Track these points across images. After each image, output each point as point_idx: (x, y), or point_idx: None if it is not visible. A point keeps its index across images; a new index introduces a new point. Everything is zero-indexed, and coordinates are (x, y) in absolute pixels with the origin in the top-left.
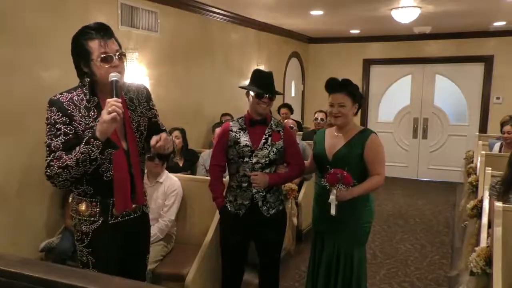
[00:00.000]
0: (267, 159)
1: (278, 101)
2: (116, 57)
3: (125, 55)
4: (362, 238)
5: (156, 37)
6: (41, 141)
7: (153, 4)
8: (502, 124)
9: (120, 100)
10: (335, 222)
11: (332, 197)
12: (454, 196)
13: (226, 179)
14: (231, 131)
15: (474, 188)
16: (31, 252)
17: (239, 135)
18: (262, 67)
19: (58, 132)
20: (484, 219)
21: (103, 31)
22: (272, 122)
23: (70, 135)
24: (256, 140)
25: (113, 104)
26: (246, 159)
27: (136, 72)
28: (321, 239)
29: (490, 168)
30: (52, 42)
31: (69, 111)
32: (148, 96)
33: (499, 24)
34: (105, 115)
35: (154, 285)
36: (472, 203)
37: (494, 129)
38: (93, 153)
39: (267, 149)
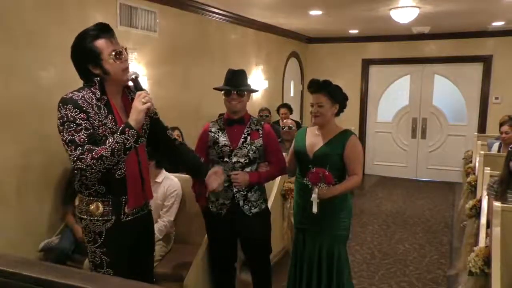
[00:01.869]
0: (246, 158)
1: (277, 101)
2: (125, 51)
3: (127, 50)
4: (342, 233)
5: (155, 37)
6: (40, 141)
7: (152, 4)
8: (501, 124)
9: (149, 92)
10: (315, 219)
11: (314, 196)
12: (453, 196)
13: None
14: (210, 131)
15: (473, 188)
16: (30, 252)
17: (218, 135)
18: (261, 67)
19: (79, 128)
20: (483, 219)
21: (107, 30)
22: (250, 121)
23: (91, 130)
24: (235, 139)
25: (145, 95)
26: (226, 159)
27: (128, 64)
28: (302, 235)
29: (489, 168)
30: (50, 42)
31: (84, 108)
32: None
33: (497, 24)
34: (139, 105)
35: (153, 285)
36: (471, 203)
37: (493, 129)
38: (128, 142)
39: (246, 148)
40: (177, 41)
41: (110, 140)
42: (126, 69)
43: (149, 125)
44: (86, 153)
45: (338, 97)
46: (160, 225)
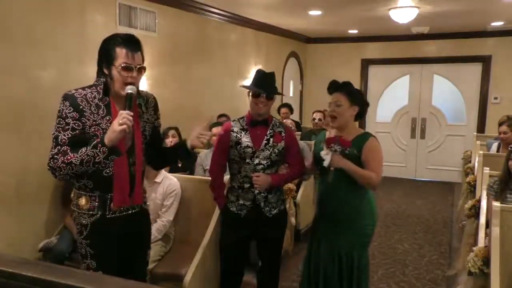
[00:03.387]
0: (268, 160)
1: (276, 101)
2: (136, 69)
3: (144, 69)
4: (363, 240)
5: (154, 37)
6: (40, 141)
7: (151, 4)
8: (500, 124)
9: (132, 113)
10: (335, 224)
11: (324, 153)
12: (452, 196)
13: (226, 178)
14: (232, 131)
15: (472, 188)
16: (29, 252)
17: (240, 136)
18: (260, 67)
19: (67, 127)
20: (482, 219)
21: (133, 43)
22: (273, 122)
23: (78, 131)
24: (258, 141)
25: (124, 117)
26: (248, 160)
27: (136, 81)
28: (317, 241)
29: (488, 168)
30: (50, 42)
31: (81, 107)
32: (155, 106)
33: (497, 24)
34: (116, 126)
35: (152, 285)
36: (470, 203)
37: (492, 129)
38: (98, 157)
39: (269, 150)
40: (176, 41)
41: (83, 150)
42: (127, 84)
43: (150, 132)
44: (60, 155)
45: (357, 99)
46: (159, 225)
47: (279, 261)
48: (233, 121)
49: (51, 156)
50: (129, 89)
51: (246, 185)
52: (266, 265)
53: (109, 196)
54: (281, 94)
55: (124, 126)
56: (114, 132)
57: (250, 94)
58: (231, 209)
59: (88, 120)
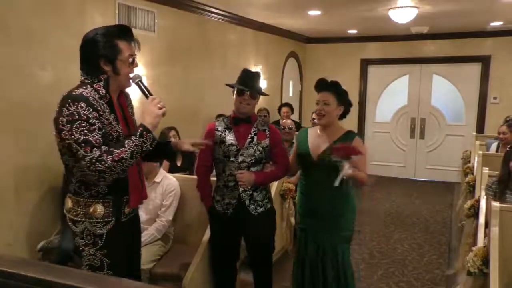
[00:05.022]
0: (253, 158)
1: (276, 101)
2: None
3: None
4: (347, 234)
5: (154, 37)
6: (38, 141)
7: (150, 4)
8: (504, 122)
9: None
10: (319, 220)
11: (345, 171)
12: (452, 196)
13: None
14: (217, 130)
15: (471, 188)
16: (28, 252)
17: (225, 134)
18: (260, 67)
19: (93, 127)
20: (481, 219)
21: (129, 33)
22: (257, 121)
23: (103, 130)
24: (242, 139)
25: (160, 101)
26: (232, 158)
27: (134, 72)
28: (304, 237)
29: (487, 168)
30: (49, 42)
31: (95, 106)
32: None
33: (496, 24)
34: (156, 110)
35: (151, 285)
36: (469, 203)
37: (491, 129)
38: (145, 145)
39: (253, 148)
40: (176, 41)
41: (129, 142)
42: (130, 75)
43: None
44: (105, 155)
45: (344, 99)
46: (158, 225)
47: (269, 259)
48: (217, 120)
49: (94, 160)
50: (136, 78)
51: (231, 184)
52: (257, 264)
53: (124, 199)
54: (266, 94)
55: (164, 109)
56: (157, 117)
57: (235, 92)
58: (218, 208)
59: (105, 119)
